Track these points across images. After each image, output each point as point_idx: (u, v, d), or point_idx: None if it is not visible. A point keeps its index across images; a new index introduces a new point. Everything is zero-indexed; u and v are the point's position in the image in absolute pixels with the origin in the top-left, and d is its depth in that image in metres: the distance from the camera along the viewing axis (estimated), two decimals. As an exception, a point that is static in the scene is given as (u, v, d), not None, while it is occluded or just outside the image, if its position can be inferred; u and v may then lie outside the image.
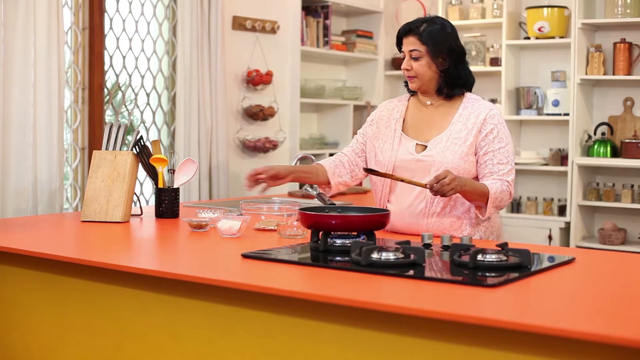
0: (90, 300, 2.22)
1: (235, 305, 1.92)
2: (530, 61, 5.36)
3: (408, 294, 1.76)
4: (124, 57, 4.38)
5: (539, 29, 5.06)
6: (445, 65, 2.62)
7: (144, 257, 2.34)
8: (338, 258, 2.10)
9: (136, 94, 4.48)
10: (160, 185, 3.02)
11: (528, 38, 5.17)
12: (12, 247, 2.32)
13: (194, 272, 1.94)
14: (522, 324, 1.48)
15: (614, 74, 4.89)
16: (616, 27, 4.95)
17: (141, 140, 3.02)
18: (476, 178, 2.60)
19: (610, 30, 5.00)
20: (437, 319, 1.59)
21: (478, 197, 2.50)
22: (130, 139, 3.18)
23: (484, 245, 2.20)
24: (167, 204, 3.00)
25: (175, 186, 3.04)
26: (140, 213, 3.08)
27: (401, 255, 1.96)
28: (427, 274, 1.90)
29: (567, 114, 4.99)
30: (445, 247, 2.19)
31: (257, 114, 4.91)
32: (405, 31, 2.63)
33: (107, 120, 4.25)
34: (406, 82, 2.72)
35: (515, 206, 5.31)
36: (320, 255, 2.13)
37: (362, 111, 5.79)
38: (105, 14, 4.23)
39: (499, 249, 1.99)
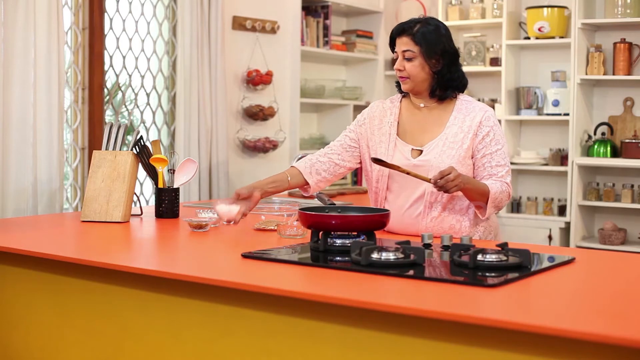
0: (90, 300, 2.22)
1: (235, 305, 1.92)
2: (530, 61, 5.36)
3: (408, 294, 1.76)
4: (124, 57, 4.38)
5: (539, 29, 5.06)
6: (439, 66, 2.60)
7: (144, 257, 2.34)
8: (338, 258, 2.10)
9: (136, 94, 4.48)
10: (160, 185, 3.02)
11: (528, 38, 5.17)
12: (12, 247, 2.32)
13: (194, 272, 1.94)
14: (522, 324, 1.48)
15: (614, 74, 4.89)
16: (616, 27, 4.95)
17: (141, 140, 3.02)
18: None
19: (610, 30, 5.00)
20: (437, 319, 1.59)
21: (478, 196, 2.50)
22: (130, 139, 3.18)
23: (484, 245, 2.20)
24: (167, 204, 3.00)
25: (175, 186, 3.04)
26: (140, 213, 3.08)
27: (401, 255, 1.96)
28: (427, 274, 1.90)
29: (567, 114, 4.99)
30: (445, 247, 2.19)
31: (257, 114, 4.91)
32: (399, 31, 2.61)
33: (107, 120, 4.25)
34: (398, 83, 2.71)
35: (515, 206, 5.31)
36: (320, 255, 2.13)
37: (361, 111, 5.79)
38: (105, 14, 4.23)
39: (499, 249, 1.99)
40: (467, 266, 1.93)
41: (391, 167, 2.51)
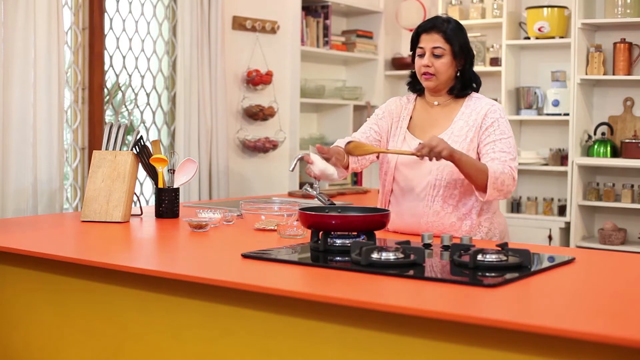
0: (90, 300, 2.22)
1: (235, 305, 1.92)
2: (530, 61, 5.36)
3: (408, 294, 1.76)
4: (124, 57, 4.38)
5: (539, 29, 5.06)
6: (460, 66, 2.62)
7: (144, 257, 2.34)
8: (338, 258, 2.10)
9: (136, 94, 4.48)
10: (160, 185, 3.02)
11: (528, 38, 5.17)
12: (12, 247, 2.32)
13: (194, 272, 1.94)
14: (522, 324, 1.48)
15: (614, 74, 4.89)
16: (616, 27, 4.95)
17: (141, 140, 3.02)
18: None
19: (610, 30, 5.00)
20: (437, 319, 1.59)
21: (475, 172, 2.45)
22: (130, 139, 3.18)
23: (484, 245, 2.20)
24: (167, 204, 3.00)
25: (175, 186, 3.04)
26: (140, 213, 3.08)
27: (401, 255, 1.96)
28: (427, 274, 1.90)
29: (567, 114, 4.99)
30: (445, 247, 2.19)
31: (257, 114, 4.91)
32: (429, 27, 2.60)
33: (107, 120, 4.25)
34: (410, 82, 2.72)
35: (515, 206, 5.31)
36: (320, 255, 2.13)
37: (362, 111, 5.79)
38: (105, 14, 4.23)
39: (499, 249, 1.99)
40: (467, 266, 1.93)
41: (372, 152, 2.53)
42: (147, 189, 4.53)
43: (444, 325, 1.60)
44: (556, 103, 5.05)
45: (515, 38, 5.28)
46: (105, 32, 4.22)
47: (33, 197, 3.64)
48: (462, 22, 5.39)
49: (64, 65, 3.79)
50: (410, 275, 1.88)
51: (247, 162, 4.97)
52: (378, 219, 2.24)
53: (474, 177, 2.46)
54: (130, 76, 4.43)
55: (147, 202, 4.54)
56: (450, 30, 2.58)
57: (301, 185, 5.07)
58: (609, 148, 4.89)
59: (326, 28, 5.41)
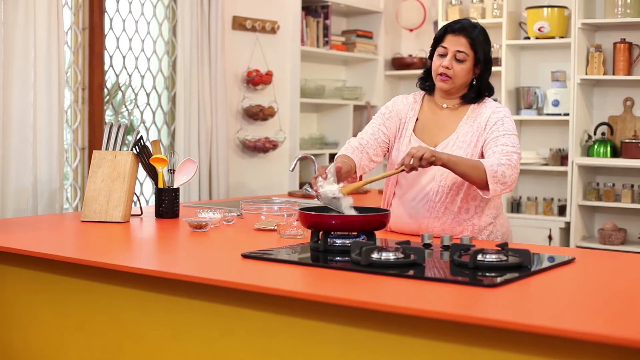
0: (90, 300, 2.22)
1: (235, 305, 1.92)
2: (530, 61, 5.36)
3: (408, 294, 1.76)
4: (124, 57, 4.38)
5: (539, 29, 5.06)
6: (478, 74, 2.59)
7: (144, 257, 2.34)
8: (338, 258, 2.10)
9: (136, 94, 4.48)
10: (160, 185, 3.02)
11: (528, 38, 5.17)
12: (12, 247, 2.32)
13: (194, 272, 1.94)
14: (522, 324, 1.48)
15: (614, 74, 4.89)
16: (616, 27, 4.95)
17: (141, 140, 3.02)
18: None
19: (610, 30, 5.00)
20: (437, 319, 1.59)
21: (470, 169, 2.39)
22: (130, 139, 3.18)
23: (484, 246, 2.20)
24: (167, 204, 3.00)
25: (175, 186, 3.04)
26: (140, 213, 3.08)
27: (401, 255, 1.96)
28: (427, 274, 1.90)
29: (567, 114, 4.99)
30: (445, 247, 2.19)
31: (257, 114, 4.91)
32: (457, 29, 2.55)
33: (107, 120, 4.25)
34: (422, 79, 2.68)
35: (515, 206, 5.31)
36: (320, 255, 2.13)
37: (362, 111, 5.79)
38: (105, 14, 4.23)
39: (499, 249, 1.99)
40: (467, 266, 1.93)
41: (359, 187, 2.49)
42: (147, 189, 4.53)
43: (444, 325, 1.60)
44: (556, 103, 5.05)
45: (515, 38, 5.28)
46: (105, 32, 4.23)
47: (33, 197, 3.64)
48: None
49: (64, 65, 3.79)
50: (410, 275, 1.88)
51: (247, 162, 4.97)
52: (378, 219, 2.24)
53: (470, 175, 2.41)
54: (130, 76, 4.43)
55: (147, 202, 4.54)
56: (478, 38, 2.55)
57: (301, 185, 5.07)
58: (609, 148, 4.89)
59: (326, 28, 5.41)
